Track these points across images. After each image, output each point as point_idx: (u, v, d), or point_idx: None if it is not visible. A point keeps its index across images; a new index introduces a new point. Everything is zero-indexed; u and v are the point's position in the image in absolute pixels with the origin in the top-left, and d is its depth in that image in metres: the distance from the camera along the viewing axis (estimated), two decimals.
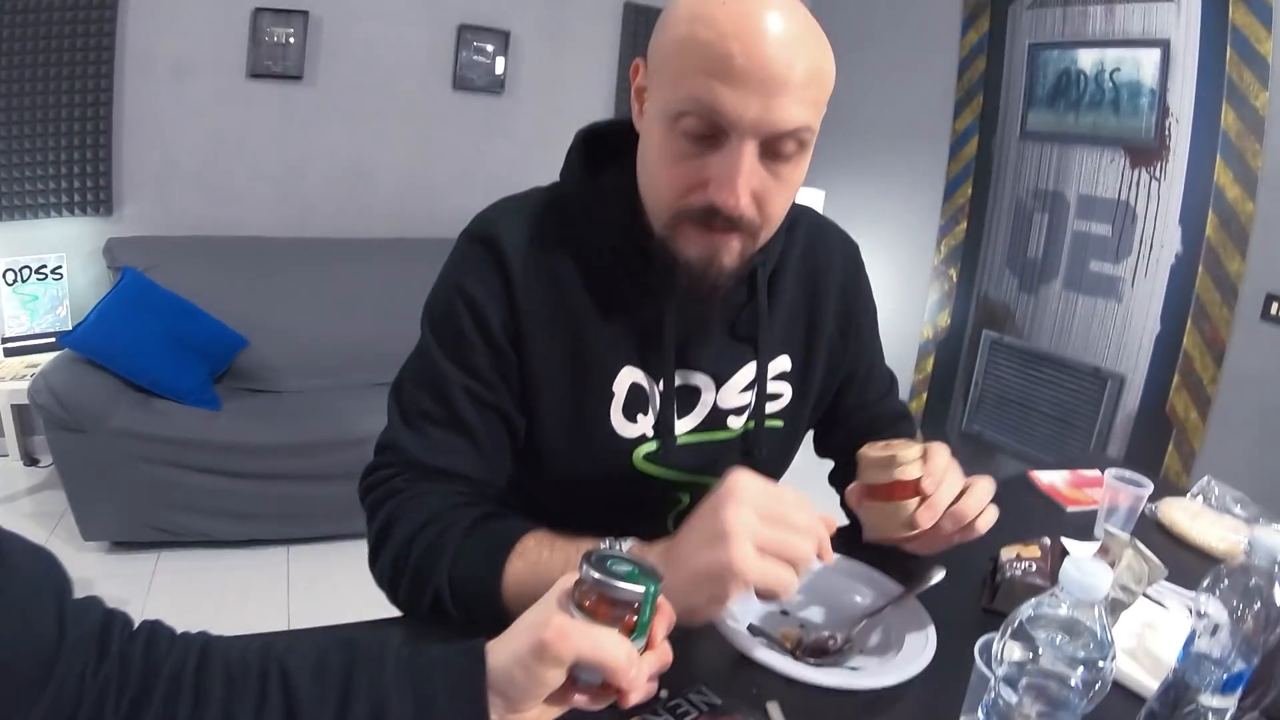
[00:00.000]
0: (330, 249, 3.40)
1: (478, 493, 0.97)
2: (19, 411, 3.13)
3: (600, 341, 0.98)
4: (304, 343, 3.20)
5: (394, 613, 0.96)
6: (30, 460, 3.24)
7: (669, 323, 0.98)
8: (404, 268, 3.33)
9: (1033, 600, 0.61)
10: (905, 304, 3.76)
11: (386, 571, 0.94)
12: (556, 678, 0.61)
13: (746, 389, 1.06)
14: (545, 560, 0.84)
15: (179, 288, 3.00)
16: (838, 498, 1.19)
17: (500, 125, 3.79)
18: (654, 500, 1.09)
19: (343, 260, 3.38)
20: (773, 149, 0.83)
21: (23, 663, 0.52)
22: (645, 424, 1.01)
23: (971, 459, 3.50)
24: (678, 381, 1.02)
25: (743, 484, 0.77)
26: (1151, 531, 1.35)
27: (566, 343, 0.98)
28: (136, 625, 0.63)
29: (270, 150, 3.42)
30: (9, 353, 3.02)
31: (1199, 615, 0.74)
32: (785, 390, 1.11)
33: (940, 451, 0.93)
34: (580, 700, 0.64)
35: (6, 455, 3.22)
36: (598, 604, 0.62)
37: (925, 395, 3.75)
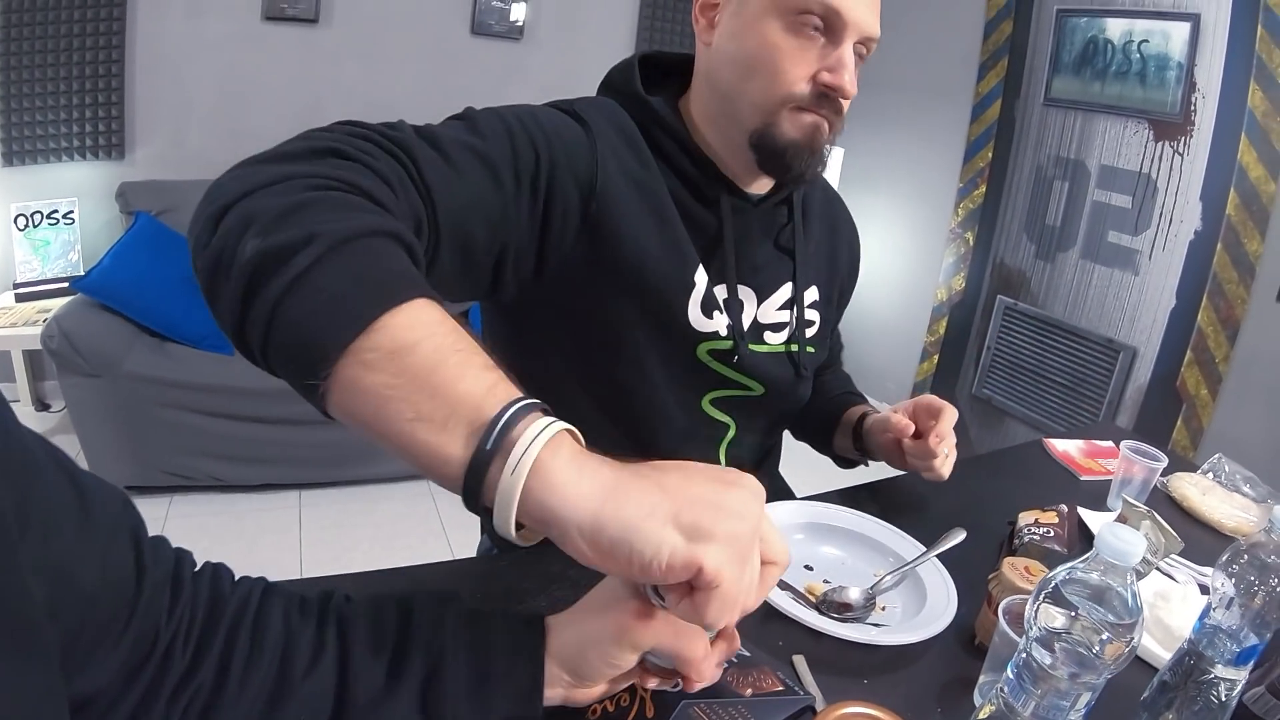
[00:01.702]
0: None
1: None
2: (30, 357, 3.13)
3: (679, 235, 1.01)
4: None
5: (404, 563, 0.92)
6: (41, 405, 3.25)
7: (728, 226, 1.04)
8: None
9: (1067, 565, 0.62)
10: (920, 265, 3.75)
11: (212, 219, 0.62)
12: (630, 661, 0.61)
13: (783, 307, 1.13)
14: (464, 348, 0.55)
15: None
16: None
17: (518, 71, 3.75)
18: (709, 431, 1.13)
19: None
20: (858, 51, 0.97)
21: (107, 602, 0.52)
22: (719, 323, 1.05)
23: (981, 423, 3.52)
24: (727, 291, 1.07)
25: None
26: (1162, 505, 1.37)
27: (652, 227, 0.99)
28: (200, 565, 0.64)
29: (285, 93, 3.39)
30: (20, 298, 3.01)
31: (1215, 589, 0.75)
32: (816, 318, 1.19)
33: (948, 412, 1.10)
34: (647, 681, 0.65)
35: (18, 400, 3.23)
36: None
37: (936, 357, 3.75)
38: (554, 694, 0.63)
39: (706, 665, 0.61)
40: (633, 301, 0.99)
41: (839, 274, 1.24)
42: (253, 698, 0.56)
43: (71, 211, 3.11)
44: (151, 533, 0.59)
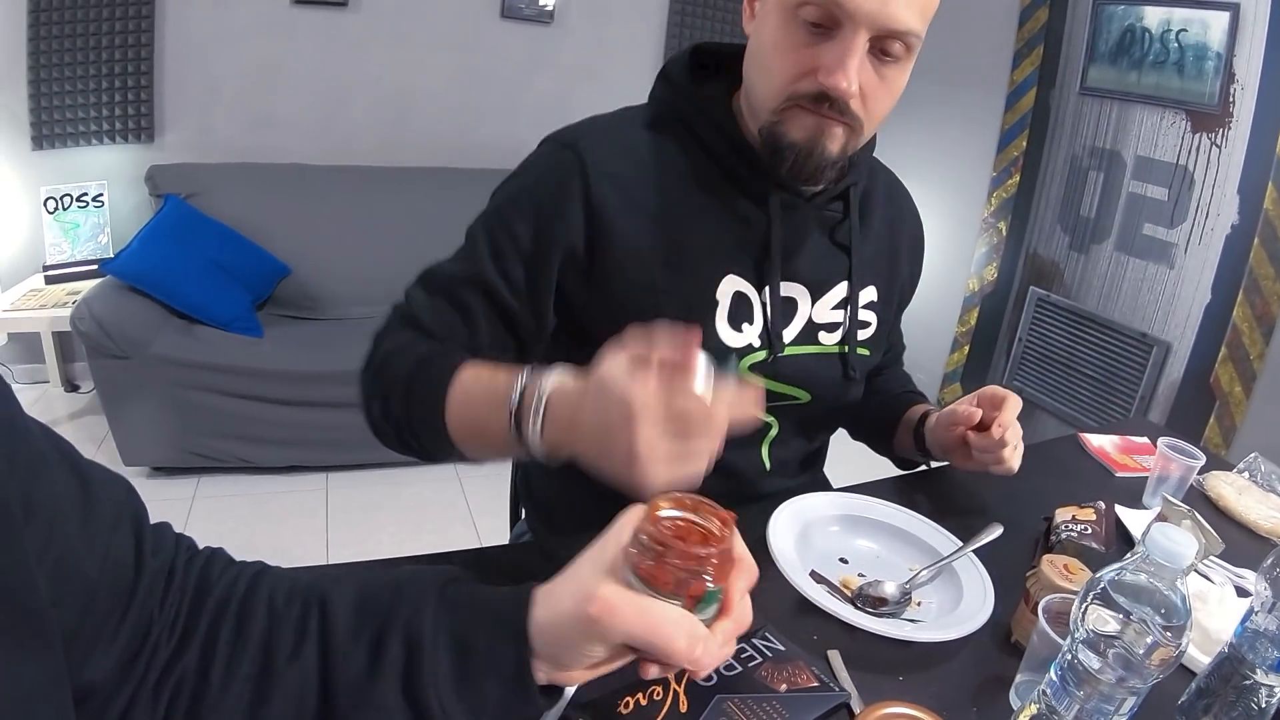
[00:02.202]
0: (373, 177, 3.38)
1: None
2: (59, 338, 3.17)
3: (700, 250, 1.00)
4: (346, 271, 3.21)
5: (431, 549, 0.96)
6: (70, 386, 3.29)
7: (775, 229, 1.01)
8: (447, 197, 3.31)
9: (1114, 565, 0.61)
10: (952, 255, 3.71)
11: (364, 386, 0.98)
12: (603, 652, 0.56)
13: (837, 306, 1.09)
14: (488, 373, 0.85)
15: (221, 215, 3.01)
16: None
17: (548, 56, 3.72)
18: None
19: (385, 188, 3.36)
20: (881, 47, 0.88)
21: (107, 593, 0.53)
22: (751, 333, 1.03)
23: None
24: (780, 291, 1.04)
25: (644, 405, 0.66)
26: (1196, 503, 1.34)
27: (662, 254, 0.98)
28: (199, 549, 0.63)
29: (313, 77, 3.39)
30: (50, 280, 3.04)
31: (1258, 593, 0.73)
32: (872, 320, 1.14)
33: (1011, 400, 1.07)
34: (646, 670, 0.57)
35: (47, 381, 3.27)
36: (656, 569, 0.52)
37: (967, 348, 3.72)
38: (539, 676, 0.57)
39: (704, 652, 0.54)
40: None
41: (899, 275, 1.19)
42: (240, 686, 0.56)
43: (101, 194, 3.13)
44: (179, 514, 0.60)
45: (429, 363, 0.91)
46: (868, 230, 1.12)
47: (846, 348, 1.10)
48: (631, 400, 0.63)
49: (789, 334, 1.06)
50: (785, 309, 1.05)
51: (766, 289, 1.02)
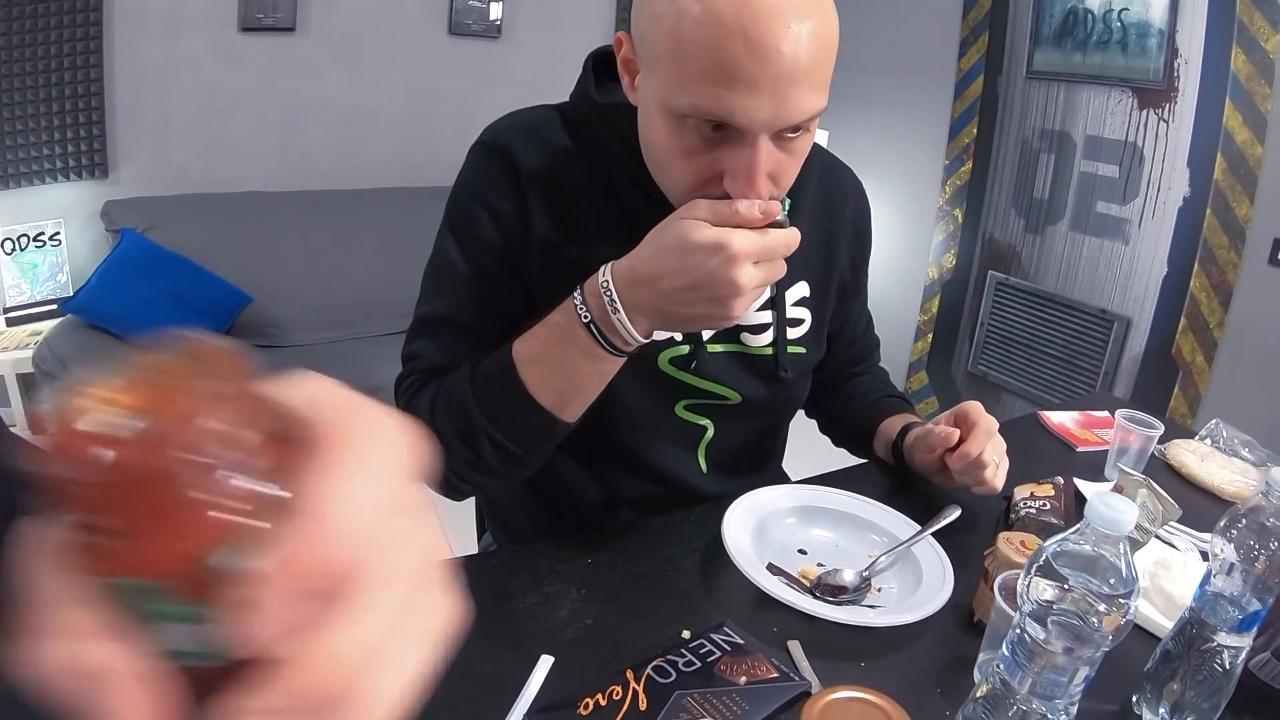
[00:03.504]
0: (331, 200, 3.36)
1: None
2: (24, 380, 3.12)
3: (613, 249, 0.97)
4: (309, 296, 3.19)
5: None
6: (38, 428, 3.24)
7: None
8: (406, 216, 3.32)
9: (1057, 536, 0.61)
10: (910, 244, 3.74)
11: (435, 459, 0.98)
12: None
13: (763, 308, 1.07)
14: (540, 328, 0.90)
15: (180, 247, 2.97)
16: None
17: (498, 70, 3.73)
18: (683, 433, 1.10)
19: (344, 211, 3.35)
20: (784, 134, 0.82)
21: None
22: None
23: (977, 399, 3.50)
24: None
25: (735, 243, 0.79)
26: (1161, 473, 1.36)
27: (582, 249, 0.99)
28: None
29: (266, 103, 3.37)
30: (11, 322, 3.00)
31: (1215, 555, 0.74)
32: (805, 316, 1.12)
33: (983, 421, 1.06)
34: None
35: (15, 425, 3.22)
36: None
37: (930, 336, 3.75)
38: None
39: None
40: None
41: (837, 264, 1.15)
42: None
43: (58, 233, 3.09)
44: None
45: (480, 369, 0.93)
46: (795, 224, 1.10)
47: (775, 348, 1.08)
48: (730, 243, 0.77)
49: (707, 332, 1.04)
50: None
51: None
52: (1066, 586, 0.58)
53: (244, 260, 3.09)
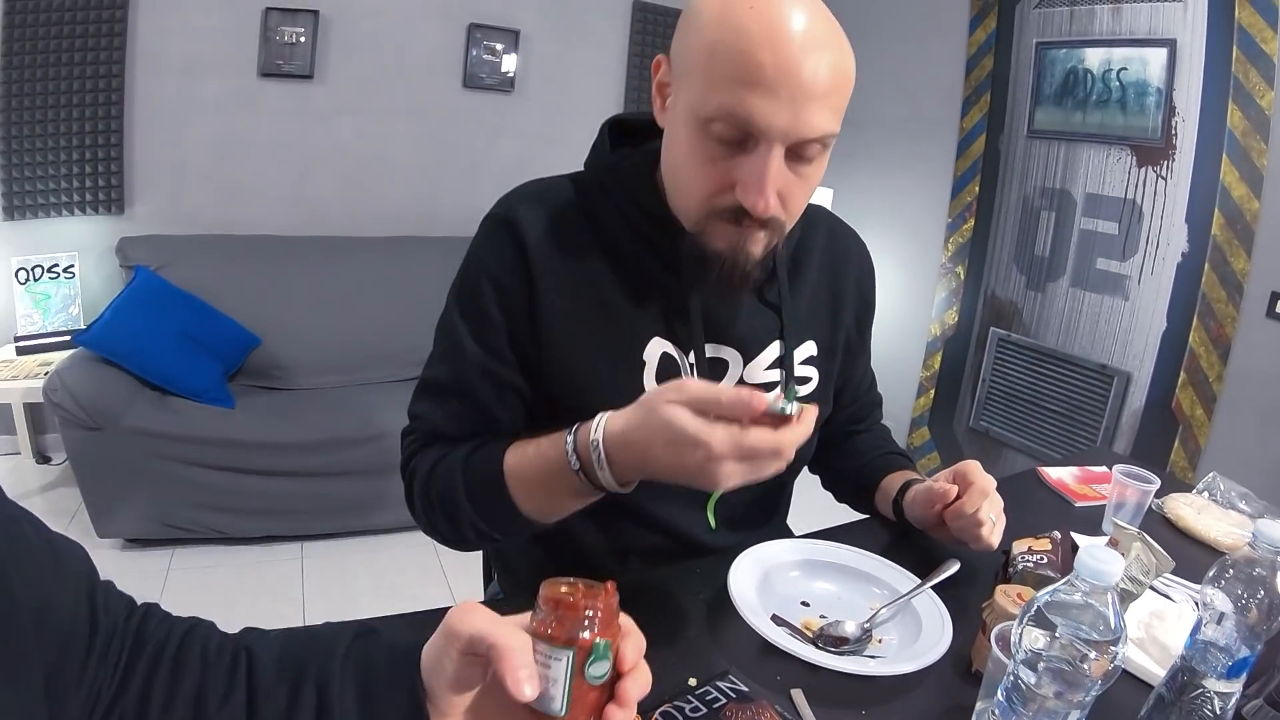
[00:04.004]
0: (342, 247, 3.41)
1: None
2: (30, 410, 3.15)
3: (626, 313, 1.02)
4: (316, 340, 3.23)
5: (407, 608, 0.97)
6: (42, 458, 3.26)
7: (695, 299, 1.02)
8: (415, 265, 3.37)
9: (1050, 587, 0.63)
10: (913, 301, 3.78)
11: (422, 516, 1.05)
12: (461, 665, 0.57)
13: (772, 366, 1.09)
14: (533, 450, 0.92)
15: (192, 286, 3.02)
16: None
17: (510, 123, 3.81)
18: (693, 489, 1.10)
19: (354, 258, 3.39)
20: (797, 152, 0.87)
21: (72, 655, 0.57)
22: None
23: (979, 456, 3.49)
24: (707, 354, 1.05)
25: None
26: (1159, 526, 1.38)
27: (592, 315, 1.01)
28: (137, 605, 0.67)
29: (281, 149, 3.44)
30: (21, 351, 3.03)
31: (1205, 604, 0.76)
32: (813, 374, 1.14)
33: (980, 480, 1.06)
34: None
35: (19, 453, 3.25)
36: (542, 624, 0.57)
37: (933, 392, 3.76)
38: None
39: (522, 677, 0.54)
40: (587, 390, 1.02)
41: (842, 323, 1.18)
42: None
43: (72, 266, 3.14)
44: (154, 587, 0.66)
45: (474, 467, 0.97)
46: (802, 284, 1.13)
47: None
48: (712, 446, 0.74)
49: None
50: (714, 371, 1.06)
51: (693, 353, 1.03)
52: (1055, 635, 0.60)
53: (254, 302, 3.13)
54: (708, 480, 0.77)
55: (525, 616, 0.58)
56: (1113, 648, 0.59)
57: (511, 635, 0.55)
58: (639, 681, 0.59)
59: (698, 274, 0.97)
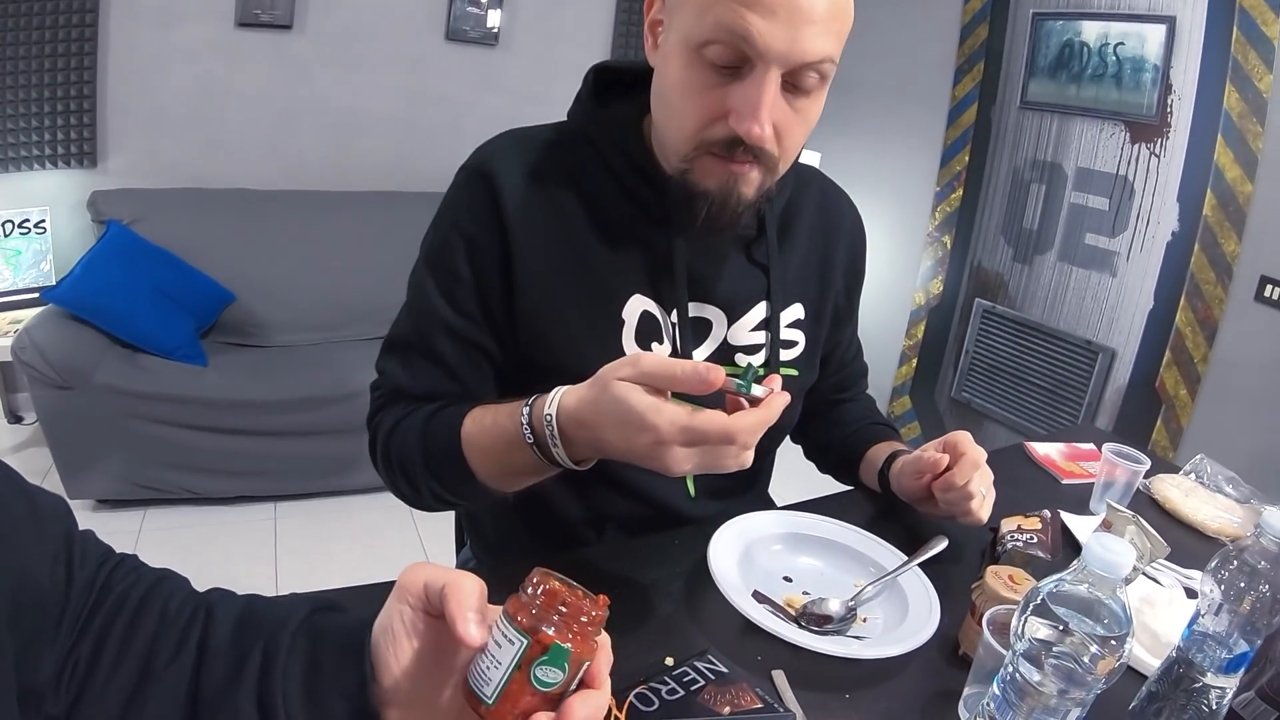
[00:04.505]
0: (320, 201, 3.34)
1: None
2: (1, 369, 3.08)
3: (606, 269, 0.99)
4: (293, 297, 3.16)
5: (382, 577, 0.94)
6: (14, 418, 3.20)
7: (679, 253, 0.99)
8: (395, 221, 3.30)
9: (1054, 577, 0.61)
10: (898, 270, 3.76)
11: (384, 475, 1.03)
12: (411, 623, 0.56)
13: (757, 328, 1.06)
14: (490, 419, 0.89)
15: (165, 241, 2.95)
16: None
17: (494, 77, 3.72)
18: None
19: (333, 213, 3.32)
20: (794, 82, 0.83)
21: (49, 606, 0.57)
22: (660, 352, 1.01)
23: (960, 426, 3.50)
24: (690, 313, 1.02)
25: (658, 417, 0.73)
26: (1145, 507, 1.36)
27: (570, 272, 0.98)
28: (114, 554, 0.67)
29: (260, 101, 3.35)
30: None
31: (1204, 595, 0.74)
32: (799, 339, 1.11)
33: (972, 451, 1.02)
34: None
35: None
36: (516, 602, 0.53)
37: (915, 361, 3.75)
38: (387, 714, 0.58)
39: (470, 629, 0.52)
40: (564, 349, 0.99)
41: (831, 287, 1.14)
42: (121, 682, 0.58)
43: (43, 220, 3.06)
44: (125, 547, 0.66)
45: (432, 433, 0.94)
46: (792, 246, 1.09)
47: (767, 369, 1.07)
48: (659, 429, 0.71)
49: (699, 355, 1.04)
50: (697, 330, 1.03)
51: (675, 311, 1.00)
52: (1062, 628, 0.57)
53: (230, 258, 3.06)
54: (659, 465, 0.74)
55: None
56: (1120, 642, 0.57)
57: (465, 578, 0.53)
58: (589, 704, 0.53)
59: (685, 217, 0.93)
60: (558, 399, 0.81)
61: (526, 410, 0.83)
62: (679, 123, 0.88)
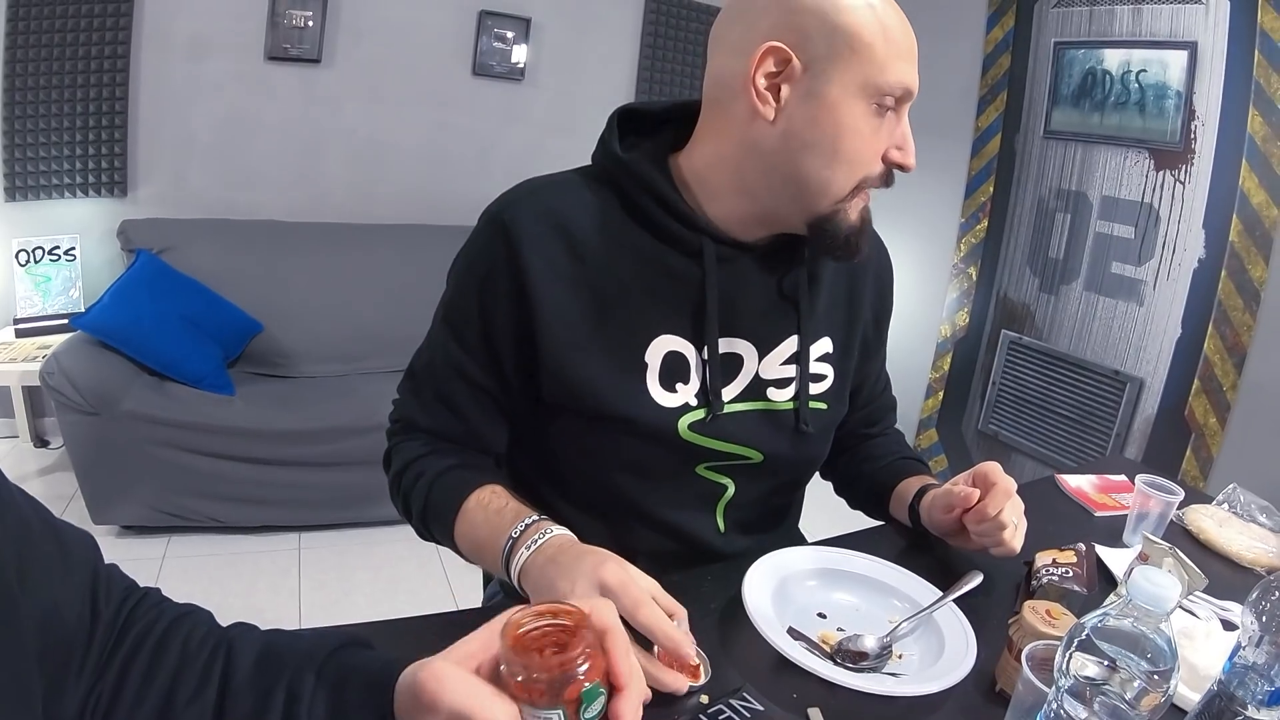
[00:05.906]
0: (346, 234, 3.37)
1: (459, 448, 1.07)
2: (29, 393, 3.12)
3: (630, 312, 0.99)
4: (319, 328, 3.19)
5: (405, 610, 0.96)
6: (40, 442, 3.23)
7: (712, 289, 0.99)
8: (420, 254, 3.32)
9: (1097, 611, 0.60)
10: (924, 301, 3.74)
11: (398, 507, 1.09)
12: None
13: (788, 362, 1.06)
14: (482, 517, 0.96)
15: (194, 271, 2.98)
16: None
17: (519, 112, 3.76)
18: (702, 492, 1.08)
19: (359, 245, 3.35)
20: None
21: (75, 644, 0.57)
22: (687, 392, 1.01)
23: (988, 459, 3.47)
24: (720, 348, 1.02)
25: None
26: (1178, 538, 1.34)
27: (593, 317, 0.98)
28: (137, 588, 0.67)
29: (287, 133, 3.40)
30: (21, 334, 3.00)
31: (1244, 627, 0.72)
32: (828, 372, 1.11)
33: (1002, 482, 1.02)
34: None
35: (16, 436, 3.22)
36: (525, 686, 0.52)
37: (942, 394, 3.73)
38: None
39: None
40: (588, 394, 0.99)
41: (860, 320, 1.15)
42: (142, 718, 0.59)
43: (73, 248, 3.11)
44: (149, 574, 0.70)
45: (435, 496, 1.00)
46: (821, 279, 1.09)
47: (797, 403, 1.07)
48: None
49: (730, 391, 1.03)
50: (727, 366, 1.03)
51: (706, 347, 1.00)
52: (1108, 664, 0.56)
53: (257, 288, 3.10)
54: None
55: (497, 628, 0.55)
56: (1167, 679, 0.55)
57: (495, 707, 0.52)
58: (635, 688, 0.55)
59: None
60: (550, 539, 0.88)
61: (514, 533, 0.90)
62: (849, 166, 0.93)
